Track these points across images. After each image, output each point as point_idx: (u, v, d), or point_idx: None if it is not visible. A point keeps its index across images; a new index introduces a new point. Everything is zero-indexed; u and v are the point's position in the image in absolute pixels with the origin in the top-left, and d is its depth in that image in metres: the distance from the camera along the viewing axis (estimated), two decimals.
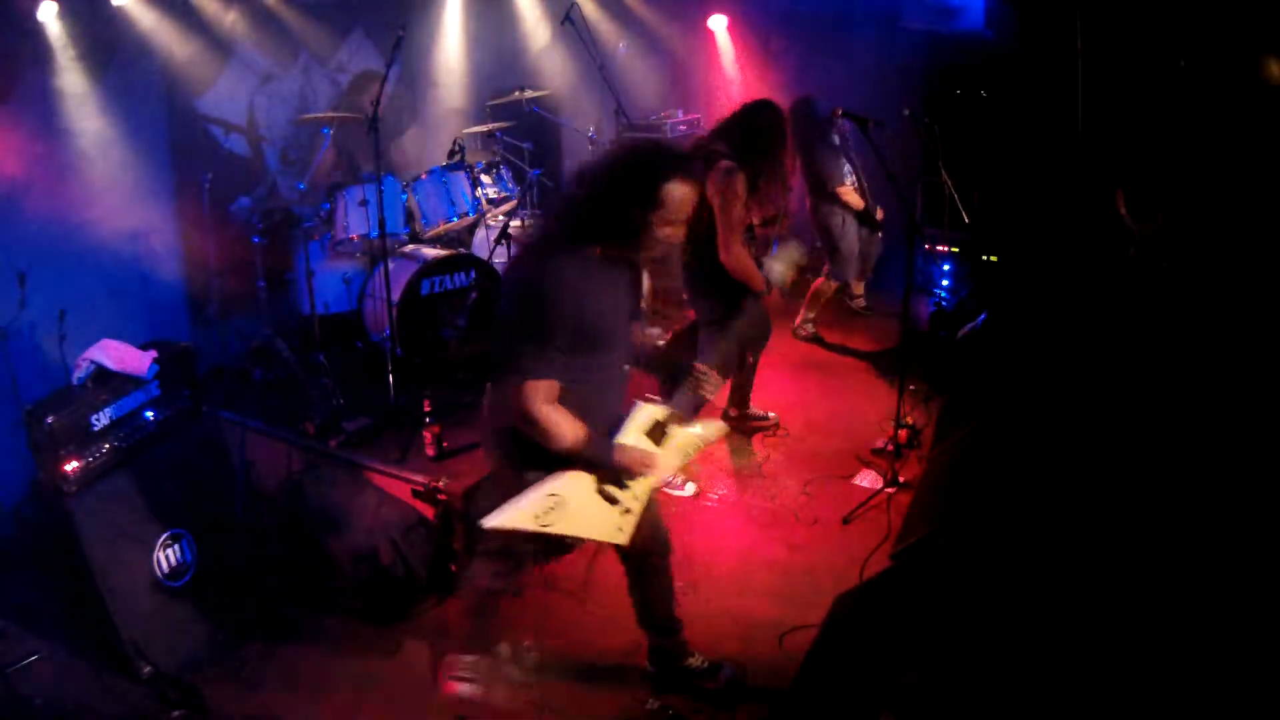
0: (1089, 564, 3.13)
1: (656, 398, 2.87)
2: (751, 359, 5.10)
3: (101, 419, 3.39)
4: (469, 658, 3.36)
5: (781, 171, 4.29)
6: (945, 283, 7.07)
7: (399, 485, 4.06)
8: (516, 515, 2.59)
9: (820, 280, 6.43)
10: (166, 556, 3.52)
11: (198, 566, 3.61)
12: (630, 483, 2.79)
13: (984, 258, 7.16)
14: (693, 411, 2.92)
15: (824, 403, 5.59)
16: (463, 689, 3.34)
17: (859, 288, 7.00)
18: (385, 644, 3.65)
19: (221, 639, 3.58)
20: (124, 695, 3.29)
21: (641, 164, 2.54)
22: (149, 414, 3.57)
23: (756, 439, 5.19)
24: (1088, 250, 5.38)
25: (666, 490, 4.63)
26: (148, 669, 3.32)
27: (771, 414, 5.31)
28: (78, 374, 3.47)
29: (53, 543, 3.48)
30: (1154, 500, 3.41)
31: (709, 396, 2.90)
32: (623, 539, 2.82)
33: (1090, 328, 5.34)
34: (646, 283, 2.84)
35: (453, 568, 3.85)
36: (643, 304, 2.85)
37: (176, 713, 3.16)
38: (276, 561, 3.92)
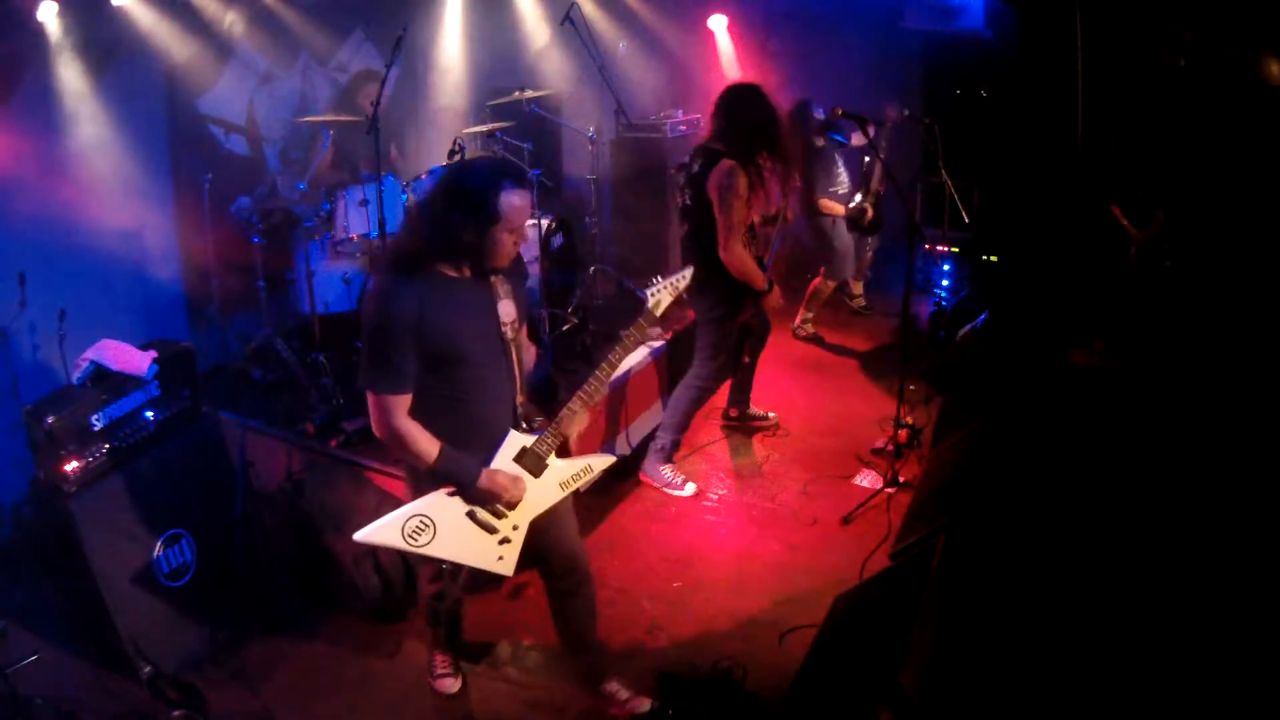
0: (1088, 563, 3.13)
1: (531, 427, 2.85)
2: (749, 359, 5.10)
3: (101, 419, 3.39)
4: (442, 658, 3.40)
5: (783, 160, 4.24)
6: (945, 283, 7.08)
7: (399, 485, 4.05)
8: (385, 531, 2.64)
9: (818, 280, 6.43)
10: (166, 556, 3.52)
11: (198, 566, 3.61)
12: (507, 511, 2.78)
13: (984, 258, 7.16)
14: (563, 439, 2.87)
15: (824, 403, 5.59)
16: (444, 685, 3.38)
17: (857, 287, 7.00)
18: (385, 644, 3.65)
19: (221, 639, 3.58)
20: (124, 695, 3.30)
21: (474, 181, 2.60)
22: (149, 414, 3.57)
23: (756, 439, 5.19)
24: (1088, 250, 5.38)
25: (666, 490, 4.63)
26: (148, 669, 3.32)
27: (771, 414, 5.32)
28: (78, 374, 3.47)
29: (53, 543, 3.48)
30: (1154, 500, 3.41)
31: (569, 434, 2.86)
32: (504, 569, 2.81)
33: (1091, 328, 5.34)
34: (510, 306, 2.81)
35: None
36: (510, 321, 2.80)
37: (176, 713, 3.16)
38: (276, 562, 3.92)
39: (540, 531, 2.88)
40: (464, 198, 2.58)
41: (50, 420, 3.24)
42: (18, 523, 4.14)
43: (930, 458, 4.68)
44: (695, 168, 4.29)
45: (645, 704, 3.19)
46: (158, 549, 3.49)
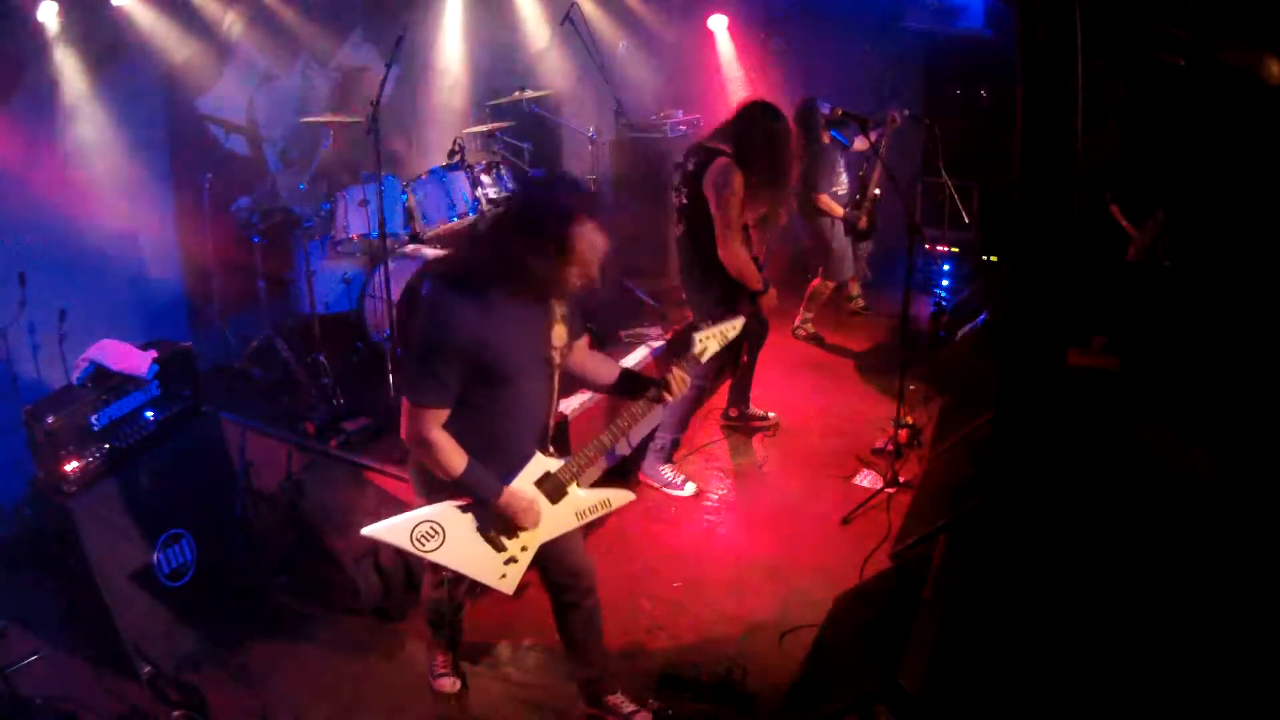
0: (1089, 563, 3.13)
1: (555, 454, 2.84)
2: (747, 358, 5.09)
3: (101, 419, 3.39)
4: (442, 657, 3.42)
5: (781, 179, 4.26)
6: (945, 283, 7.07)
7: (398, 485, 4.06)
8: (395, 531, 2.65)
9: (816, 281, 6.42)
10: (166, 556, 3.52)
11: (198, 566, 3.61)
12: (519, 532, 2.77)
13: (984, 258, 7.16)
14: (596, 468, 2.92)
15: (824, 403, 5.59)
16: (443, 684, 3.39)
17: (855, 288, 6.98)
18: (385, 644, 3.65)
19: (222, 639, 3.58)
20: (124, 695, 3.30)
21: (547, 210, 2.53)
22: (149, 414, 3.57)
23: (756, 439, 5.19)
24: (1088, 250, 5.38)
25: (666, 490, 4.63)
26: (148, 669, 3.32)
27: (771, 414, 5.31)
28: (78, 374, 3.47)
29: (53, 543, 3.48)
30: (1154, 500, 3.41)
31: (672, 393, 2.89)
32: (505, 587, 2.81)
33: (1091, 327, 5.34)
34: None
35: None
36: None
37: (176, 713, 3.17)
38: (276, 561, 3.92)
39: (547, 544, 2.87)
40: (535, 228, 2.52)
41: (50, 420, 3.24)
42: (18, 523, 4.14)
43: (930, 458, 4.68)
44: (690, 166, 4.29)
45: (647, 718, 3.17)
46: (158, 549, 3.49)
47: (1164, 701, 2.54)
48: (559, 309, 2.73)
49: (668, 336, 5.35)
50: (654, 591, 3.92)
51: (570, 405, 4.44)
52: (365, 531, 2.66)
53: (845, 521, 4.33)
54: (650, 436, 4.85)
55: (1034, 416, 4.09)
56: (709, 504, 4.59)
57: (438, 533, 2.68)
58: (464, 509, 2.71)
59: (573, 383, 3.04)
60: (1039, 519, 3.38)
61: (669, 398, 2.90)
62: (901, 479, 4.52)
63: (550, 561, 2.93)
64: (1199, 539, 3.18)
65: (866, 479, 4.68)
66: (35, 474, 3.43)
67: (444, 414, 2.59)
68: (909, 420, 4.87)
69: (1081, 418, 4.17)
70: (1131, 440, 3.88)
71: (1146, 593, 2.97)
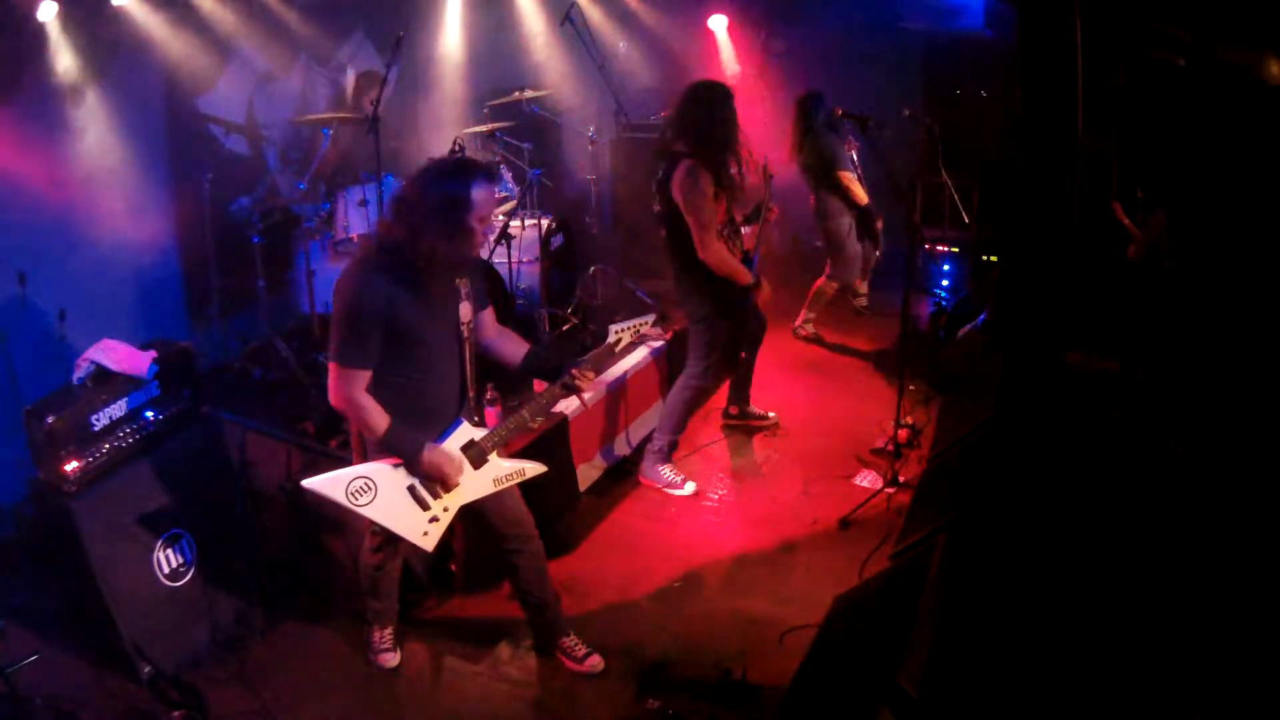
0: (1088, 563, 3.14)
1: (479, 422, 3.09)
2: (745, 355, 5.09)
3: (101, 419, 3.39)
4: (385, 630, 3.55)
5: (732, 141, 4.22)
6: (945, 283, 7.07)
7: None
8: (331, 484, 2.89)
9: (821, 280, 6.42)
10: (166, 556, 3.52)
11: (198, 566, 3.61)
12: (442, 492, 2.99)
13: (984, 258, 7.16)
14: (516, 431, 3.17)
15: (824, 403, 5.59)
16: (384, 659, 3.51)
17: (863, 287, 6.96)
18: None
19: (221, 639, 3.58)
20: (124, 695, 3.30)
21: (451, 175, 2.81)
22: (149, 414, 3.57)
23: (756, 439, 5.19)
24: (1088, 250, 5.38)
25: (667, 490, 4.64)
26: (148, 669, 3.32)
27: (771, 414, 5.31)
28: (78, 374, 3.47)
29: (53, 543, 3.47)
30: (1154, 500, 3.41)
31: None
32: (426, 544, 3.03)
33: (1091, 327, 5.34)
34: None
35: (453, 567, 3.86)
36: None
37: (176, 713, 3.16)
38: (276, 561, 3.92)
39: (487, 500, 3.10)
40: (445, 192, 2.76)
41: (50, 420, 3.24)
42: (18, 523, 4.13)
43: (930, 458, 4.68)
44: (660, 173, 4.29)
45: (600, 664, 3.40)
46: (158, 549, 3.49)
47: (1164, 701, 2.54)
48: (465, 287, 3.00)
49: (667, 337, 5.35)
50: (654, 591, 3.92)
51: (570, 406, 4.44)
52: (305, 484, 2.87)
53: (845, 521, 4.33)
54: (648, 438, 4.85)
55: (1034, 416, 4.10)
56: (709, 504, 4.59)
57: (370, 488, 2.90)
58: (396, 468, 2.94)
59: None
60: (1039, 519, 3.38)
61: (582, 400, 3.25)
62: (901, 479, 4.52)
63: (491, 515, 3.17)
64: (1199, 539, 3.18)
65: (866, 479, 4.68)
66: (35, 474, 3.43)
67: (366, 376, 2.84)
68: (909, 420, 4.88)
69: (1082, 418, 4.17)
70: (1132, 440, 3.88)
71: (1146, 592, 2.97)
